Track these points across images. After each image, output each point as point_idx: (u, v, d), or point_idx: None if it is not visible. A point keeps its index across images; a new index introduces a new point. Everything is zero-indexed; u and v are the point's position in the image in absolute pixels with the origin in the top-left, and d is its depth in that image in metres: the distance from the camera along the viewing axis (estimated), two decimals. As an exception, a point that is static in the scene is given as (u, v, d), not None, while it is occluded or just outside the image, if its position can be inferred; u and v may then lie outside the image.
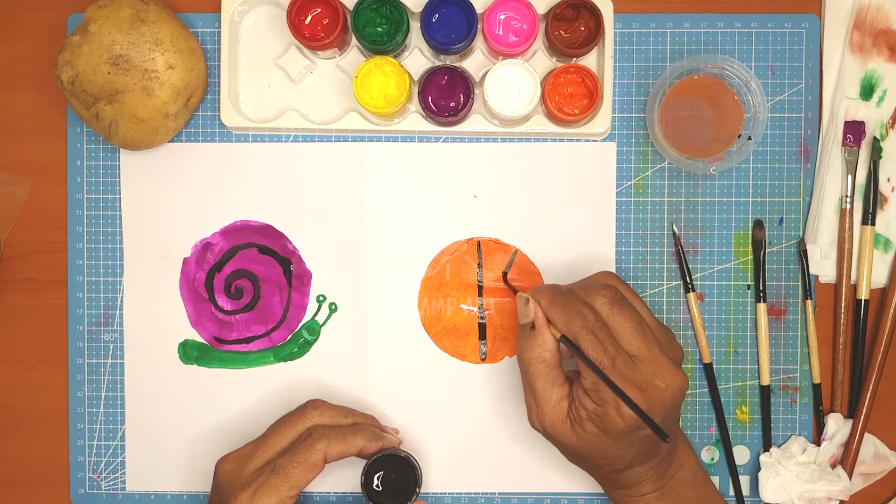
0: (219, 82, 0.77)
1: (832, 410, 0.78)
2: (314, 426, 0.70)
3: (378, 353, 0.78)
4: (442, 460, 0.78)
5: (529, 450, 0.78)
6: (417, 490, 0.72)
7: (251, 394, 0.79)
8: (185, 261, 0.79)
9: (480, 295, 0.79)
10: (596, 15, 0.74)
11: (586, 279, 0.70)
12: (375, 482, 0.72)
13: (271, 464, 0.69)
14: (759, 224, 0.78)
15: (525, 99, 0.75)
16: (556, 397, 0.67)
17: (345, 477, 0.79)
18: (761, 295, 0.77)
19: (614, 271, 0.78)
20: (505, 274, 0.77)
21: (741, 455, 0.78)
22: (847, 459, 0.77)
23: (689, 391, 0.78)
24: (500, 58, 0.75)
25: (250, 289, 0.79)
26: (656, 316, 0.78)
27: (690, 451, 0.72)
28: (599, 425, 0.65)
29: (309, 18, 0.75)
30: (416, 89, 0.76)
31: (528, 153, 0.78)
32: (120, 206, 0.79)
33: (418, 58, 0.77)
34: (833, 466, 0.77)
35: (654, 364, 0.65)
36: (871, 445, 0.77)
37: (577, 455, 0.68)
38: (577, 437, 0.66)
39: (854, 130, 0.77)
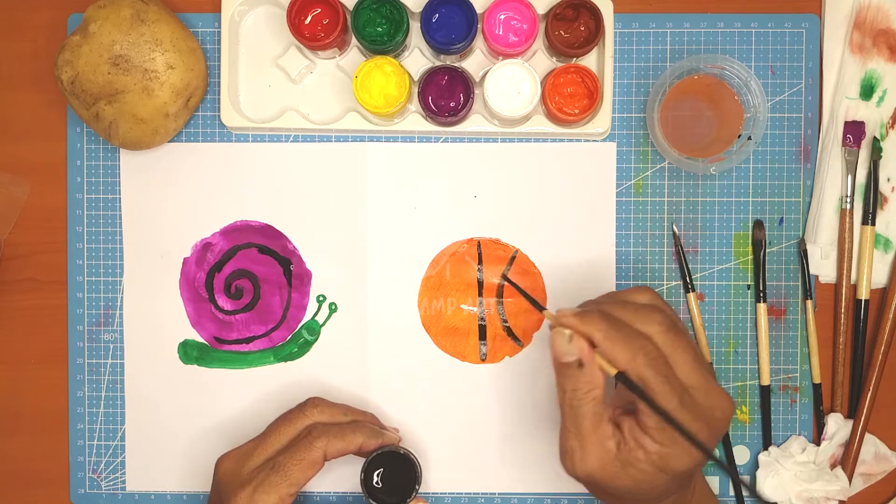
0: (219, 82, 0.77)
1: (832, 410, 0.78)
2: (313, 424, 0.70)
3: (378, 353, 0.78)
4: (442, 460, 0.78)
5: (529, 450, 0.78)
6: (417, 487, 0.72)
7: (251, 394, 0.79)
8: (185, 261, 0.79)
9: (480, 295, 0.79)
10: (596, 15, 0.74)
11: (622, 294, 0.65)
12: (375, 479, 0.72)
13: (271, 462, 0.69)
14: (759, 224, 0.78)
15: (525, 99, 0.75)
16: (603, 437, 0.61)
17: (344, 476, 0.79)
18: (761, 295, 0.77)
19: (614, 271, 0.78)
20: (504, 275, 0.76)
21: (741, 455, 0.78)
22: (847, 460, 0.77)
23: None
24: (500, 58, 0.75)
25: (250, 289, 0.79)
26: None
27: (701, 475, 0.70)
28: (660, 465, 0.60)
29: (309, 18, 0.75)
30: (416, 89, 0.76)
31: (528, 153, 0.78)
32: (120, 206, 0.79)
33: (418, 58, 0.77)
34: (833, 466, 0.77)
35: (711, 394, 0.60)
36: (871, 445, 0.77)
37: (617, 494, 0.62)
38: (628, 477, 0.60)
39: (854, 130, 0.77)
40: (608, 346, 0.59)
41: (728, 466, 0.58)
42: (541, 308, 0.65)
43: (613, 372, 0.60)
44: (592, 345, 0.60)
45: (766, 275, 0.78)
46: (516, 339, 0.78)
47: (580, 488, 0.78)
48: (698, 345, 0.78)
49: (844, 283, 0.77)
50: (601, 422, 0.61)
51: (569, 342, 0.60)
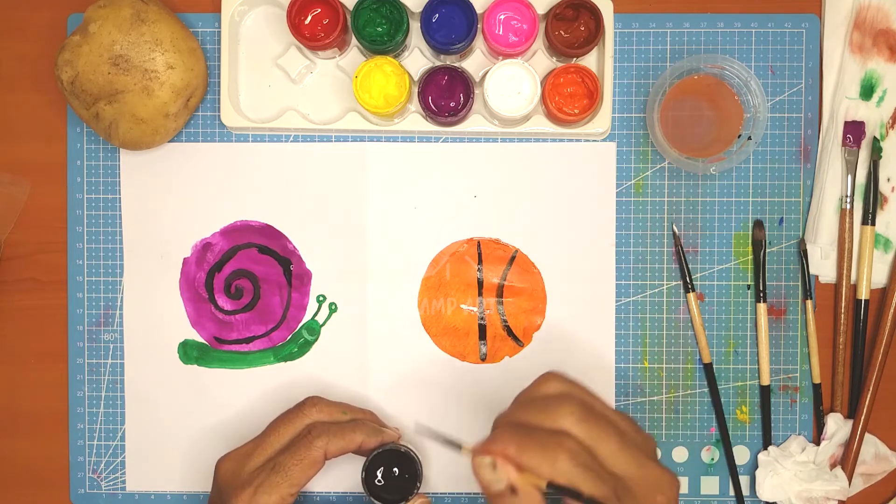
0: (219, 82, 0.77)
1: (832, 410, 0.78)
2: (313, 423, 0.70)
3: (378, 353, 0.78)
4: (442, 460, 0.78)
5: (529, 450, 0.78)
6: (418, 484, 0.72)
7: (251, 394, 0.79)
8: (185, 261, 0.79)
9: (480, 295, 0.79)
10: (596, 15, 0.74)
11: (530, 391, 0.60)
12: (377, 478, 0.72)
13: (271, 462, 0.69)
14: (759, 224, 0.78)
15: (525, 99, 0.75)
16: None
17: (344, 475, 0.79)
18: (761, 295, 0.77)
19: (614, 271, 0.78)
20: (459, 446, 0.61)
21: (741, 455, 0.78)
22: (847, 460, 0.77)
23: (689, 391, 0.78)
24: (500, 58, 0.75)
25: (250, 289, 0.79)
26: (654, 316, 0.78)
27: None
28: None
29: (309, 18, 0.75)
30: (416, 89, 0.76)
31: (528, 153, 0.78)
32: (120, 206, 0.79)
33: (418, 58, 0.77)
34: (832, 466, 0.77)
35: (648, 478, 0.57)
36: (871, 445, 0.77)
37: None
38: None
39: (854, 130, 0.77)
40: (526, 460, 0.55)
41: None
42: (458, 447, 0.60)
43: (542, 485, 0.55)
44: (519, 467, 0.56)
45: (766, 275, 0.78)
46: (516, 339, 0.78)
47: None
48: (698, 344, 0.78)
49: (844, 283, 0.77)
50: None
51: (493, 471, 0.56)
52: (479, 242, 0.79)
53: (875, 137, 0.77)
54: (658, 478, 0.57)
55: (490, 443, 0.57)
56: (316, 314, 0.79)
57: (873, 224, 0.77)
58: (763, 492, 0.77)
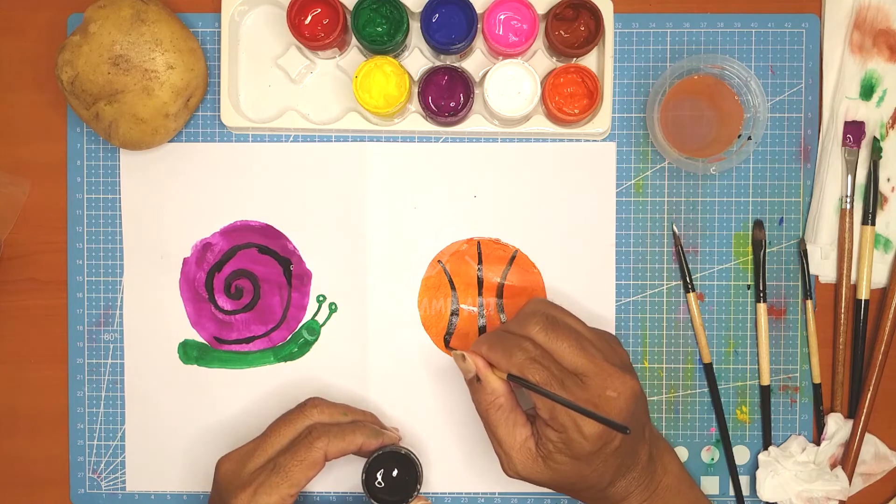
0: (219, 82, 0.77)
1: (832, 410, 0.78)
2: (314, 424, 0.70)
3: (378, 353, 0.78)
4: (442, 460, 0.78)
5: (529, 450, 0.78)
6: (418, 486, 0.72)
7: (251, 394, 0.79)
8: (185, 261, 0.79)
9: (480, 294, 0.79)
10: (596, 15, 0.74)
11: (518, 312, 0.70)
12: (377, 479, 0.72)
13: (271, 462, 0.69)
14: (759, 224, 0.78)
15: (525, 99, 0.75)
16: (520, 439, 0.67)
17: (344, 476, 0.79)
18: (761, 295, 0.77)
19: (614, 271, 0.78)
20: (447, 341, 0.78)
21: (741, 455, 0.78)
22: (848, 460, 0.77)
23: (689, 391, 0.78)
24: (500, 58, 0.75)
25: (250, 289, 0.79)
26: (654, 316, 0.78)
27: (673, 456, 0.72)
28: (568, 453, 0.66)
29: (309, 18, 0.75)
30: (416, 89, 0.76)
31: (528, 153, 0.78)
32: (120, 206, 0.79)
33: (418, 58, 0.77)
34: (833, 466, 0.77)
35: (601, 376, 0.66)
36: (871, 445, 0.77)
37: (560, 487, 0.68)
38: (553, 471, 0.67)
39: (854, 130, 0.77)
40: (491, 355, 0.67)
41: (597, 414, 0.63)
42: (451, 349, 0.74)
43: (504, 376, 0.67)
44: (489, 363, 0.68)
45: (766, 275, 0.78)
46: (516, 339, 0.78)
47: (580, 488, 0.78)
48: (698, 344, 0.78)
49: (844, 283, 0.77)
50: (515, 426, 0.67)
51: (463, 361, 0.68)
52: (479, 242, 0.79)
53: (875, 137, 0.77)
54: (611, 376, 0.66)
55: (472, 344, 0.70)
56: (316, 314, 0.79)
57: (873, 224, 0.77)
58: (764, 492, 0.77)
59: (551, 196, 0.78)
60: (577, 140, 0.78)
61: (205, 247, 0.79)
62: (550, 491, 0.78)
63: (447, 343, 0.78)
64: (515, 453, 0.67)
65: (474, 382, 0.69)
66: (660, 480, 0.70)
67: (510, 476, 0.69)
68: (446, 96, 0.75)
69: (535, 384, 0.65)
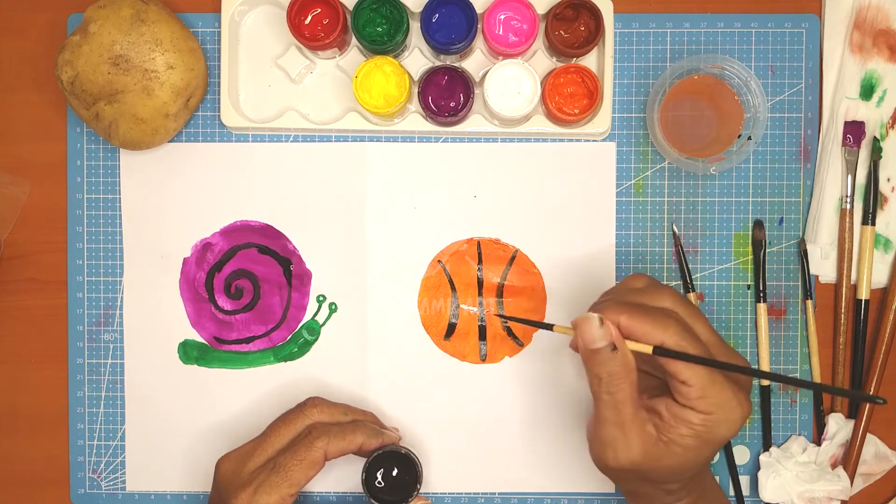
0: (219, 82, 0.77)
1: (832, 410, 0.78)
2: (314, 424, 0.70)
3: (378, 353, 0.78)
4: (442, 460, 0.78)
5: (529, 450, 0.78)
6: (418, 486, 0.72)
7: (251, 394, 0.79)
8: (185, 261, 0.79)
9: (480, 295, 0.79)
10: (596, 15, 0.74)
11: (623, 285, 0.66)
12: (377, 479, 0.72)
13: (271, 462, 0.69)
14: (759, 224, 0.78)
15: (525, 99, 0.75)
16: (643, 421, 0.61)
17: (344, 476, 0.79)
18: (761, 295, 0.77)
19: (614, 271, 0.78)
20: (501, 316, 0.77)
21: (741, 455, 0.78)
22: (849, 460, 0.77)
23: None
24: (500, 58, 0.75)
25: (250, 289, 0.79)
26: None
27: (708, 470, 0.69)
28: (706, 436, 0.61)
29: (309, 18, 0.75)
30: (416, 89, 0.76)
31: (528, 153, 0.78)
32: (120, 206, 0.79)
33: (418, 58, 0.77)
34: (833, 466, 0.77)
35: (727, 350, 0.63)
36: (871, 445, 0.77)
37: (659, 479, 0.63)
38: (676, 456, 0.61)
39: (854, 130, 0.77)
40: (635, 326, 0.60)
41: (789, 377, 0.61)
42: (549, 327, 0.66)
43: (649, 350, 0.60)
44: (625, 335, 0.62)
45: (766, 275, 0.78)
46: (516, 338, 0.78)
47: (580, 488, 0.78)
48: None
49: (844, 283, 0.77)
50: (639, 407, 0.61)
51: (601, 326, 0.60)
52: (479, 242, 0.79)
53: (875, 137, 0.77)
54: (733, 353, 0.63)
55: (598, 309, 0.62)
56: (316, 314, 0.79)
57: (873, 224, 0.77)
58: (766, 493, 0.77)
59: (551, 196, 0.78)
60: (577, 140, 0.78)
61: (205, 247, 0.79)
62: (549, 491, 0.78)
63: (546, 326, 0.69)
64: (636, 436, 0.61)
65: (604, 352, 0.60)
66: (704, 484, 0.67)
67: (613, 463, 0.62)
68: (446, 96, 0.75)
69: (700, 356, 0.59)
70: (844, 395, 0.61)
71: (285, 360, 0.79)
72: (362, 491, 0.72)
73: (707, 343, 0.62)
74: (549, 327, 0.66)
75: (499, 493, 0.79)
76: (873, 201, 0.77)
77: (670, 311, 0.62)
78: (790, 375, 0.78)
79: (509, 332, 0.78)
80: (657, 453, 0.61)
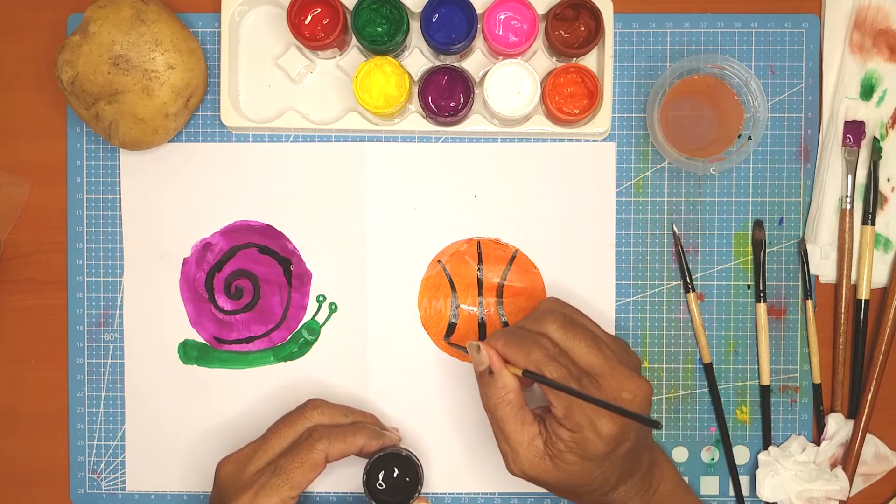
0: (219, 82, 0.77)
1: (832, 410, 0.78)
2: (314, 426, 0.70)
3: (378, 353, 0.78)
4: (442, 460, 0.78)
5: (529, 450, 0.78)
6: (419, 488, 0.72)
7: (251, 394, 0.79)
8: (185, 261, 0.79)
9: (480, 294, 0.79)
10: (596, 15, 0.74)
11: (532, 311, 0.70)
12: (378, 480, 0.72)
13: (272, 464, 0.69)
14: (759, 224, 0.78)
15: (525, 99, 0.75)
16: (528, 437, 0.66)
17: (345, 477, 0.79)
18: (761, 295, 0.77)
19: (614, 271, 0.78)
20: (447, 337, 0.78)
21: (741, 455, 0.78)
22: (849, 460, 0.77)
23: (689, 391, 0.78)
24: (500, 58, 0.75)
25: (250, 289, 0.79)
26: (654, 316, 0.78)
27: (669, 464, 0.72)
28: (579, 453, 0.65)
29: (309, 18, 0.75)
30: (416, 89, 0.76)
31: (528, 153, 0.78)
32: (120, 206, 0.79)
33: (418, 58, 0.77)
34: (833, 466, 0.77)
35: (617, 377, 0.65)
36: (871, 445, 0.77)
37: (563, 489, 0.68)
38: (560, 471, 0.66)
39: (854, 130, 0.77)
40: (507, 351, 0.67)
41: (630, 411, 0.64)
42: (463, 349, 0.73)
43: (520, 372, 0.66)
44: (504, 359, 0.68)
45: (766, 275, 0.78)
46: (516, 339, 0.78)
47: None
48: (698, 344, 0.78)
49: (844, 283, 0.77)
50: (524, 423, 0.67)
51: (478, 353, 0.68)
52: (479, 242, 0.79)
53: (875, 137, 0.77)
54: (627, 379, 0.66)
55: (487, 338, 0.69)
56: (316, 314, 0.79)
57: (873, 224, 0.77)
58: (763, 492, 0.77)
59: (551, 196, 0.78)
60: (577, 140, 0.78)
61: (205, 247, 0.79)
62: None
63: (448, 339, 0.78)
64: (523, 450, 0.66)
65: (486, 375, 0.68)
66: (657, 487, 0.70)
67: (514, 474, 0.68)
68: (446, 96, 0.75)
69: (554, 380, 0.64)
70: (623, 413, 0.64)
71: (285, 360, 0.79)
72: (363, 492, 0.72)
73: (587, 367, 0.66)
74: (463, 348, 0.74)
75: (499, 493, 0.79)
76: (873, 201, 0.77)
77: (540, 336, 0.66)
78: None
79: (509, 332, 0.79)
80: (544, 466, 0.66)
